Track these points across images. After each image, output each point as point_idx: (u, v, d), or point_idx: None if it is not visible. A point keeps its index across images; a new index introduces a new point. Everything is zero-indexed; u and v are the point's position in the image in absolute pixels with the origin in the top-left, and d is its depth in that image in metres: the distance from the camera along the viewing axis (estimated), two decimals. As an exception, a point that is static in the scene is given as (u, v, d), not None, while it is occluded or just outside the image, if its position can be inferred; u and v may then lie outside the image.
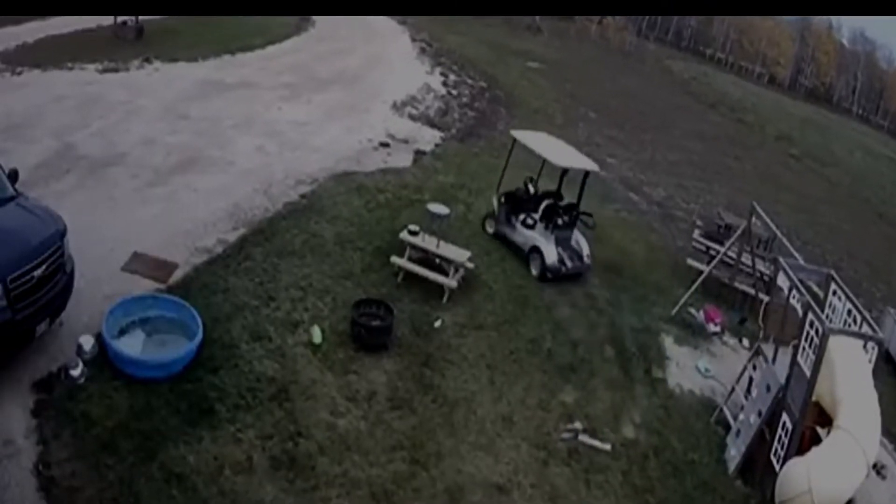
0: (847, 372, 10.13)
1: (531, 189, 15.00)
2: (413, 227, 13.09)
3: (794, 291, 11.03)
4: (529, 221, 14.46)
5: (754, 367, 11.96)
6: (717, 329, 14.35)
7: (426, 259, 12.89)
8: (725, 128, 35.36)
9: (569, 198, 14.95)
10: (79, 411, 8.56)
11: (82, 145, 14.79)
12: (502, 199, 14.98)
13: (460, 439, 10.01)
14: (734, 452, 11.01)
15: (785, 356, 10.96)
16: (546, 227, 14.32)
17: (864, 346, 10.65)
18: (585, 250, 14.52)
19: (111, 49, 21.72)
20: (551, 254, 14.06)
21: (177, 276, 11.33)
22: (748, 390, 11.88)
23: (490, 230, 15.04)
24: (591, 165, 14.81)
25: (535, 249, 14.18)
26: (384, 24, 34.37)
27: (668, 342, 13.62)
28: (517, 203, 14.81)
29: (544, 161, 14.65)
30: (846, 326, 10.90)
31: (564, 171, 14.85)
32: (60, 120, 15.68)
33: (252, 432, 9.07)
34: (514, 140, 15.12)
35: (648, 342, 13.37)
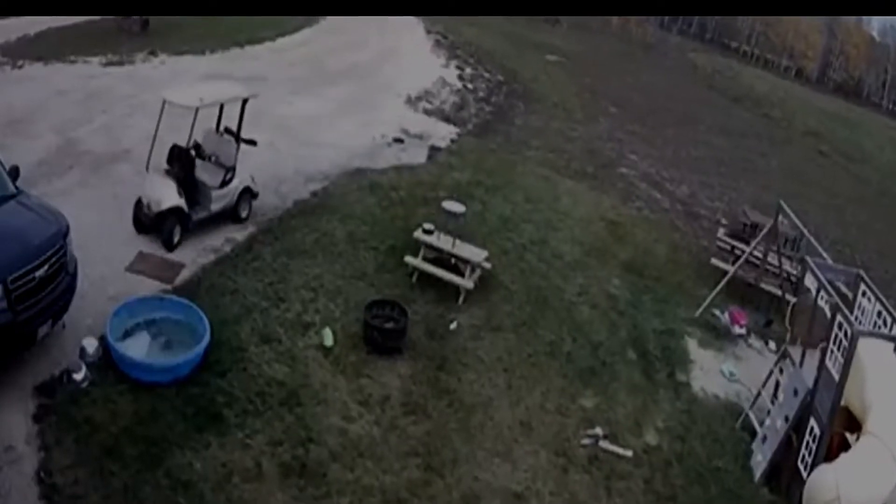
0: (877, 375, 9.86)
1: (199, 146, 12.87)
2: (428, 226, 12.88)
3: (822, 292, 10.79)
4: (229, 176, 12.75)
5: (781, 371, 11.75)
6: (743, 331, 14.07)
7: (441, 259, 12.70)
8: (751, 123, 34.93)
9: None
10: (82, 416, 8.45)
11: (86, 141, 14.65)
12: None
13: (477, 445, 9.86)
14: (760, 459, 10.81)
15: (813, 359, 10.75)
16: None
17: (895, 349, 10.30)
18: None
19: (115, 42, 21.52)
20: (255, 184, 13.34)
21: (183, 276, 11.24)
22: (775, 395, 11.68)
23: (177, 239, 11.86)
24: (241, 93, 13.22)
25: (247, 191, 13.13)
26: (398, 17, 34.11)
27: (691, 345, 13.38)
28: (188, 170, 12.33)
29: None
30: (876, 328, 10.66)
31: (242, 106, 13.06)
32: (63, 115, 15.51)
33: (261, 438, 8.96)
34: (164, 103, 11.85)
35: (671, 345, 13.13)
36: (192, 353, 9.41)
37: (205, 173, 12.60)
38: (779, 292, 14.58)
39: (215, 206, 12.57)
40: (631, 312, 13.71)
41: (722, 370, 12.93)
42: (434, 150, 18.86)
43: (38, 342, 8.75)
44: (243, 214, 13.13)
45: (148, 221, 11.85)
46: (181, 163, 12.19)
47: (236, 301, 10.90)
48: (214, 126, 13.16)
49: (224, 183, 12.69)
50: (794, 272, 14.31)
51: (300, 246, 12.64)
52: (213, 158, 12.81)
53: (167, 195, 11.80)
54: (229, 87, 13.91)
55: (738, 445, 11.19)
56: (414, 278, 12.52)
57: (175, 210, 11.80)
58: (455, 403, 10.40)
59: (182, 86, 12.99)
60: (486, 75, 28.34)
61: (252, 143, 13.16)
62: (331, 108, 19.80)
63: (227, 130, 13.10)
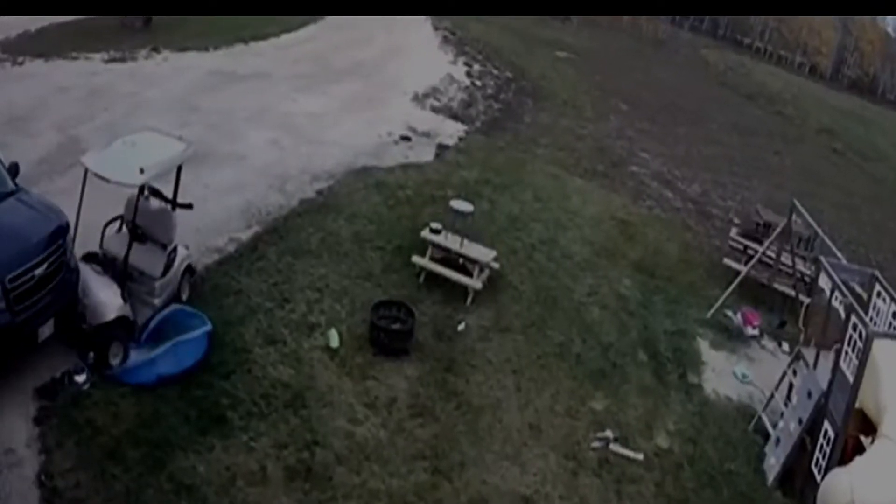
0: (892, 377, 9.81)
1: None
2: (435, 225, 12.79)
3: (836, 293, 10.70)
4: (172, 257, 10.12)
5: (794, 373, 11.68)
6: (756, 332, 13.97)
7: (449, 259, 12.60)
8: (764, 121, 34.68)
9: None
10: (83, 419, 8.39)
11: (87, 139, 14.40)
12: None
13: (485, 448, 9.82)
14: (773, 462, 10.75)
15: (827, 361, 10.70)
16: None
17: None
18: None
19: (117, 38, 21.25)
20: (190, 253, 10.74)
21: (186, 276, 11.13)
22: (788, 397, 11.61)
23: (117, 361, 8.99)
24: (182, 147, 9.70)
25: (188, 269, 10.53)
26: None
27: (703, 346, 13.30)
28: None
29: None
30: (891, 329, 10.63)
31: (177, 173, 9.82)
32: (64, 112, 15.33)
33: (266, 441, 8.92)
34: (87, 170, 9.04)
35: (683, 346, 13.05)
36: (197, 333, 9.48)
37: (143, 260, 9.50)
38: (792, 293, 14.50)
39: (159, 301, 9.75)
40: (642, 313, 13.62)
41: (734, 372, 12.86)
42: (441, 147, 18.68)
43: (39, 344, 8.59)
44: (184, 298, 10.33)
45: (81, 336, 8.89)
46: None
47: (240, 302, 10.83)
48: (137, 191, 9.63)
49: (167, 268, 9.84)
50: (808, 272, 14.22)
51: (305, 246, 12.55)
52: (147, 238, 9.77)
53: (109, 300, 8.98)
54: (158, 140, 9.77)
55: (750, 448, 11.14)
56: (421, 278, 12.44)
57: (120, 321, 9.02)
58: (463, 406, 10.34)
59: (99, 148, 9.47)
60: (495, 72, 28.14)
61: (188, 206, 10.01)
62: (336, 105, 19.64)
63: (155, 192, 9.83)
